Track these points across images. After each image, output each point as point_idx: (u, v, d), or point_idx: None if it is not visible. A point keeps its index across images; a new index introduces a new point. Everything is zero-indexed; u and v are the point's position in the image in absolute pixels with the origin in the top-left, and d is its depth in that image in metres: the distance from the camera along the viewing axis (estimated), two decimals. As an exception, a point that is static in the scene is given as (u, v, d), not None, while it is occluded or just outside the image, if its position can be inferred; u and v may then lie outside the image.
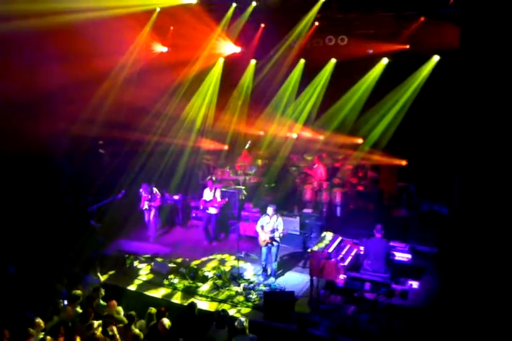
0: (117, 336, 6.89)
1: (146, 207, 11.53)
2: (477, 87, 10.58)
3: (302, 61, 13.96)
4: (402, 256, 9.28)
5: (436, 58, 12.07)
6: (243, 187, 12.68)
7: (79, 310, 7.64)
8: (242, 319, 7.13)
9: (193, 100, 14.68)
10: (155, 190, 11.58)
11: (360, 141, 13.25)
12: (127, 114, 12.87)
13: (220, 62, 14.47)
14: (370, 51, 12.53)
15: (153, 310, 7.49)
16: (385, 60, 12.78)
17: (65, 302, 7.87)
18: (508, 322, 7.50)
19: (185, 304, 8.26)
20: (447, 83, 11.33)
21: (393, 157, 12.48)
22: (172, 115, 14.45)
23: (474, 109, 10.38)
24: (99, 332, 6.90)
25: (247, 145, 14.09)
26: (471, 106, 10.40)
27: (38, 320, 7.13)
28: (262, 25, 13.48)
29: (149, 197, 11.46)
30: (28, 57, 11.09)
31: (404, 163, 12.46)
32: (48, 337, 6.74)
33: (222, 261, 10.60)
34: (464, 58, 10.86)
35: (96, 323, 6.91)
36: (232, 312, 8.48)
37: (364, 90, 13.08)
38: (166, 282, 9.72)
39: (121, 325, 7.26)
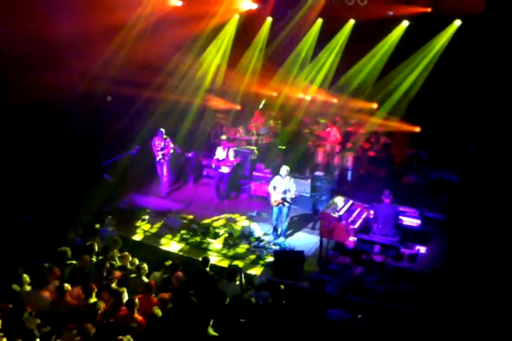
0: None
1: (160, 157, 11.50)
2: (498, 53, 10.39)
3: (320, 21, 13.45)
4: (411, 222, 9.39)
5: (457, 23, 11.70)
6: (255, 148, 12.65)
7: (94, 259, 7.81)
8: (262, 277, 7.29)
9: (203, 57, 14.38)
10: (168, 138, 11.51)
11: (375, 106, 13.05)
12: (139, 70, 12.63)
13: (235, 18, 14.04)
14: (390, 13, 12.16)
15: (168, 262, 7.65)
16: (405, 23, 12.41)
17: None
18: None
19: (198, 259, 8.42)
20: (467, 49, 11.11)
21: (407, 123, 12.34)
22: (184, 73, 14.22)
23: (494, 77, 10.23)
24: (115, 283, 7.09)
25: (261, 106, 13.91)
26: (491, 73, 10.24)
27: (55, 268, 7.29)
28: (281, -19, 13.06)
29: (162, 144, 11.42)
30: (39, 8, 10.80)
31: (417, 129, 12.34)
32: (66, 284, 6.90)
33: (233, 220, 10.71)
34: (487, 24, 10.61)
35: (117, 273, 7.07)
36: (243, 269, 8.67)
37: (382, 54, 12.75)
38: (178, 237, 9.91)
39: (133, 275, 7.44)
